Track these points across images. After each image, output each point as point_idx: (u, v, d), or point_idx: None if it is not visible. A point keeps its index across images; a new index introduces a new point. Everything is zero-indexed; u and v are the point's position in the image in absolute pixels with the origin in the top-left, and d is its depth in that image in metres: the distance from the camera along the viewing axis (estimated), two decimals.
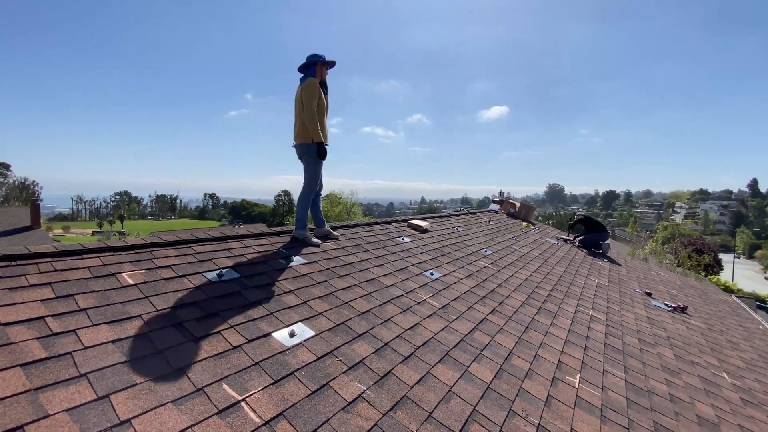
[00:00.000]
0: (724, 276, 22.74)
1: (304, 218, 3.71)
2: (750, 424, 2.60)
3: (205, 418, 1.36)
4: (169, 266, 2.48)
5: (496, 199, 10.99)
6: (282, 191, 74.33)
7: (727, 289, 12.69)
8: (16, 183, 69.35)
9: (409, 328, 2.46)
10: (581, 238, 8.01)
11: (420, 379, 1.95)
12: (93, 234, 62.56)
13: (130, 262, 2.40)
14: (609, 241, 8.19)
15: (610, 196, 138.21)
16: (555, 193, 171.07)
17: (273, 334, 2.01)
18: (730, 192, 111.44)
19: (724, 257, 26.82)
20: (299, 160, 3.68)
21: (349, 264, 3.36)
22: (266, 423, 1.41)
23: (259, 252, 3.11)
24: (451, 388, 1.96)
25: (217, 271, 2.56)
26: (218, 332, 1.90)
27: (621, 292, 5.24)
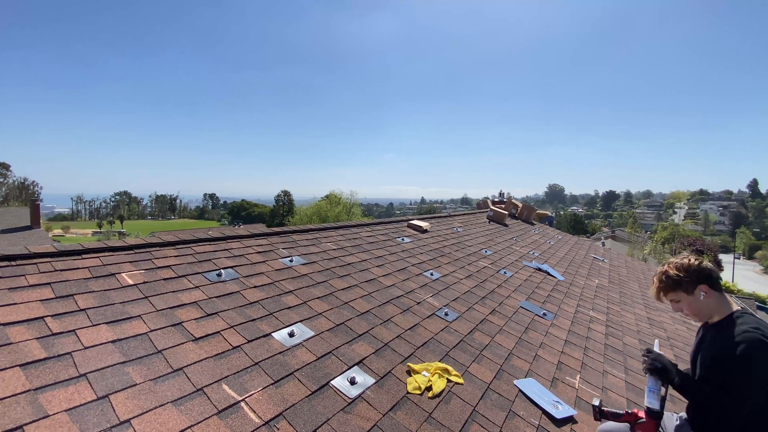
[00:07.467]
0: (724, 277, 22.75)
1: None
2: None
3: (205, 419, 1.36)
4: (168, 266, 2.48)
5: (496, 200, 10.86)
6: (282, 191, 73.90)
7: (727, 290, 12.69)
8: (16, 183, 69.24)
9: (409, 329, 2.46)
10: None
11: None
12: (93, 234, 62.53)
13: (130, 262, 2.40)
14: (608, 240, 7.12)
15: (610, 197, 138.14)
16: (555, 194, 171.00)
17: (273, 334, 2.01)
18: (730, 192, 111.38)
19: (724, 258, 26.78)
20: None
21: (349, 264, 3.36)
22: (266, 423, 1.41)
23: (258, 252, 3.11)
24: (451, 388, 1.96)
25: (217, 271, 2.56)
26: (218, 332, 1.90)
27: (621, 292, 5.24)
